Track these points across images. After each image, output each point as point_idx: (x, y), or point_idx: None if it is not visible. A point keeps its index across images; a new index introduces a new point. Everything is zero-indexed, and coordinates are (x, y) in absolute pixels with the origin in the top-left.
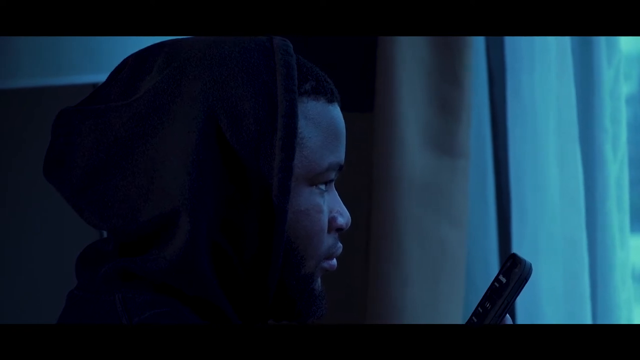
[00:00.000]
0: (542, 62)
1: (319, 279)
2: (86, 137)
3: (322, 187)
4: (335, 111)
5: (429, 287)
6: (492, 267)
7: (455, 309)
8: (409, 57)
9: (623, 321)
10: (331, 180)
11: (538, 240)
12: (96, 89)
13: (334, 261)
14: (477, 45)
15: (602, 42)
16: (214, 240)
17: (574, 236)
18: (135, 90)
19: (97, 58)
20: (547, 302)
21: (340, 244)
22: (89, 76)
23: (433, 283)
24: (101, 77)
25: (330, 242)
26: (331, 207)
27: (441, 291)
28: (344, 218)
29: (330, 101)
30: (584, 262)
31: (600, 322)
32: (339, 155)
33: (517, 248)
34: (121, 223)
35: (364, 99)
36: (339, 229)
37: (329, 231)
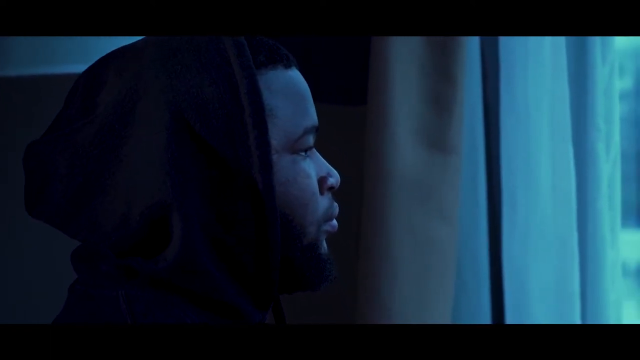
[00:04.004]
0: (536, 59)
1: (324, 243)
2: (59, 165)
3: (304, 153)
4: (296, 75)
5: (419, 283)
6: (482, 264)
7: (444, 306)
8: (402, 52)
9: (612, 321)
10: (311, 145)
11: (529, 238)
12: (55, 117)
13: (334, 222)
14: (471, 41)
15: (597, 39)
16: (209, 232)
17: (565, 235)
18: (94, 106)
19: (91, 47)
20: (536, 300)
21: (336, 204)
22: (83, 66)
23: (423, 280)
24: None
25: (325, 204)
26: (318, 169)
27: (431, 288)
28: (333, 177)
29: (288, 67)
30: (575, 261)
31: (589, 321)
32: (312, 117)
33: (507, 246)
34: (116, 236)
35: (356, 91)
36: (331, 188)
37: (321, 193)
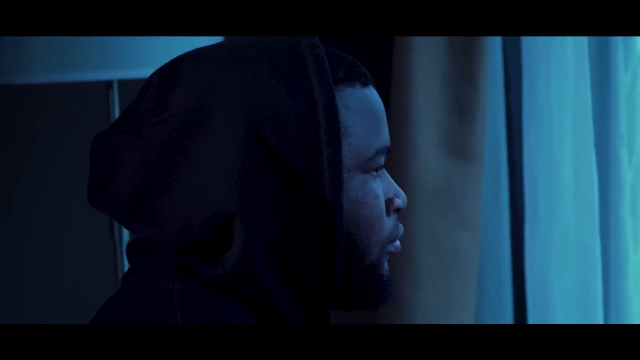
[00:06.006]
0: (559, 66)
1: (386, 264)
2: (127, 160)
3: (374, 172)
4: (373, 94)
5: (441, 290)
6: (505, 271)
7: (466, 313)
8: (425, 58)
9: None
10: (381, 166)
11: (551, 245)
12: (125, 110)
13: (398, 243)
14: (493, 47)
15: (619, 46)
16: (273, 244)
17: (587, 241)
18: (165, 106)
19: (111, 54)
20: (559, 307)
21: (401, 225)
22: (103, 73)
23: (445, 286)
24: (115, 74)
25: (391, 225)
26: (386, 190)
27: (453, 295)
28: (400, 198)
29: (366, 85)
30: (597, 267)
31: None
32: (385, 137)
33: (529, 252)
34: (176, 239)
35: None
36: (397, 210)
37: (387, 214)
